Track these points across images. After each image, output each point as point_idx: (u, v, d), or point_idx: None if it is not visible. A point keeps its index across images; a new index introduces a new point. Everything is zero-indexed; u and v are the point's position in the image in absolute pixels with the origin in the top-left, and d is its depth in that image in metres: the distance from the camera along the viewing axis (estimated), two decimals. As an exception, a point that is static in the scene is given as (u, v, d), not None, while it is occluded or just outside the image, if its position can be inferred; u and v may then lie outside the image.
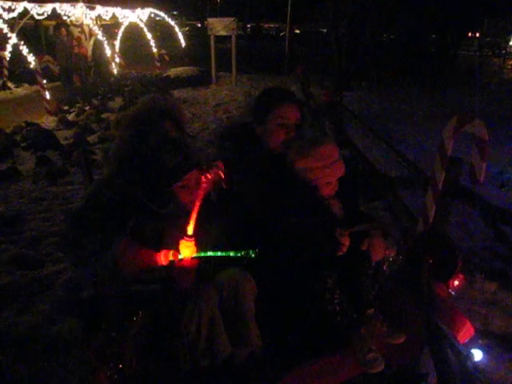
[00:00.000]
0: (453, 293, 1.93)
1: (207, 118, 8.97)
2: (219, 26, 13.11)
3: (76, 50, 11.85)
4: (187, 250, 1.60)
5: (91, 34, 13.08)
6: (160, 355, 1.51)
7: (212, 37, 13.36)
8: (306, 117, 2.13)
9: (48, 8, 11.70)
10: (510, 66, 14.59)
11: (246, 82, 13.42)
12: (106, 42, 12.61)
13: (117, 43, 15.33)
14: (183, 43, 18.00)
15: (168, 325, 1.52)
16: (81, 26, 12.95)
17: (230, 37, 13.64)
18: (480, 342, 2.64)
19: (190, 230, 1.60)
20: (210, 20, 13.48)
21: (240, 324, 1.66)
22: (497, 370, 2.47)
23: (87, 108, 9.76)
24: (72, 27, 12.41)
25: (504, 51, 15.59)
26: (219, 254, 1.65)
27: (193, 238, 1.60)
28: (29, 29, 14.24)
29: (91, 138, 7.41)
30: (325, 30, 24.36)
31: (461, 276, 1.96)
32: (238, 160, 1.98)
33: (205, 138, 7.25)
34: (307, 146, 1.93)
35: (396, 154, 4.92)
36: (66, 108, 9.87)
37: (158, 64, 15.85)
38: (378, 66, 13.30)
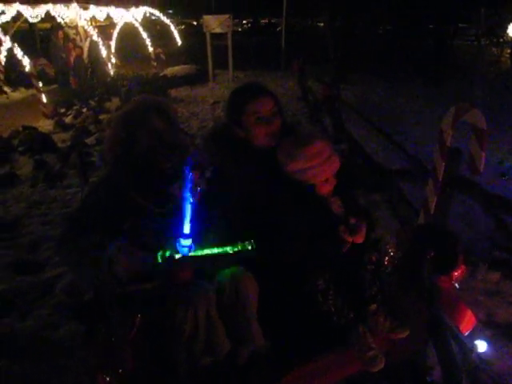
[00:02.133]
0: (456, 284, 1.91)
1: (205, 116, 8.95)
2: (215, 23, 13.05)
3: (72, 51, 11.82)
4: (184, 249, 1.58)
5: (86, 35, 13.03)
6: (159, 358, 1.50)
7: (208, 34, 13.31)
8: (279, 103, 2.04)
9: (41, 10, 11.66)
10: (507, 55, 14.49)
11: (244, 79, 13.37)
12: (101, 43, 12.56)
13: (112, 44, 15.29)
14: (179, 42, 17.95)
15: (165, 326, 1.50)
16: (75, 27, 12.91)
17: (226, 34, 13.59)
18: (484, 332, 2.63)
19: (187, 228, 1.59)
20: (206, 17, 13.42)
21: (242, 323, 1.64)
22: (501, 361, 2.46)
23: (84, 110, 9.73)
24: (67, 29, 12.36)
25: (502, 40, 15.49)
26: (216, 250, 1.64)
27: (189, 237, 1.58)
28: (23, 32, 14.18)
29: (89, 140, 7.38)
30: (321, 24, 24.28)
31: (463, 267, 1.94)
32: (227, 164, 1.94)
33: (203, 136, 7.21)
34: (295, 148, 1.85)
35: (395, 146, 4.89)
36: (62, 111, 9.84)
37: (155, 63, 15.81)
38: (375, 59, 13.25)
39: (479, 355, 2.17)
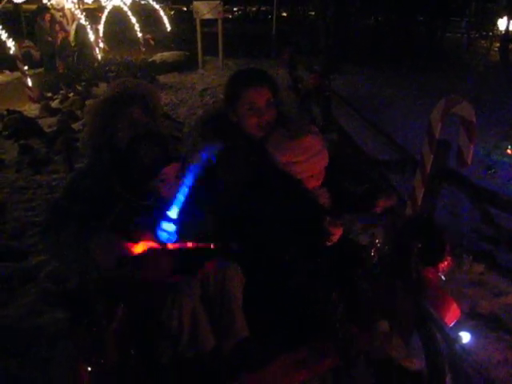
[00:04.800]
0: (442, 276, 1.92)
1: (194, 103, 8.86)
2: (205, 9, 12.86)
3: (59, 34, 11.56)
4: (164, 235, 1.54)
5: (73, 18, 12.75)
6: (143, 349, 1.48)
7: (198, 20, 13.11)
8: (279, 94, 2.00)
9: (27, -9, 11.37)
10: (496, 49, 14.58)
11: (233, 67, 13.23)
12: (89, 27, 12.31)
13: (100, 28, 14.98)
14: (169, 27, 17.66)
15: (149, 318, 1.48)
16: (62, 9, 12.60)
17: (216, 20, 13.40)
18: (468, 323, 2.66)
19: (174, 213, 1.55)
20: (196, 3, 13.20)
21: (227, 315, 1.64)
22: (484, 351, 2.50)
23: (71, 95, 9.56)
24: (53, 11, 12.07)
25: (491, 33, 15.57)
26: (199, 244, 1.60)
27: (173, 223, 1.55)
28: (8, 13, 13.82)
29: (76, 126, 7.26)
30: (313, 13, 24.09)
31: (449, 259, 1.94)
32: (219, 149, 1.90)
33: (192, 123, 7.15)
34: (286, 140, 1.82)
35: (384, 137, 4.90)
36: (49, 95, 9.65)
37: (143, 49, 15.55)
38: (366, 49, 13.21)
39: (463, 346, 2.20)
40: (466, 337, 2.17)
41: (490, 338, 2.64)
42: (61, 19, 12.25)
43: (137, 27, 15.56)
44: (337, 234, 1.79)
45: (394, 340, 1.75)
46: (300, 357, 1.67)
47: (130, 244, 1.51)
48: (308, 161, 1.80)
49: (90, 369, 1.37)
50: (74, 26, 12.63)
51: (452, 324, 1.83)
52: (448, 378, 1.93)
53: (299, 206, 1.80)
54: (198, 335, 1.55)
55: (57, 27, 11.66)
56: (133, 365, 1.42)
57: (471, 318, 2.79)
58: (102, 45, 13.86)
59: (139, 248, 1.51)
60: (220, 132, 1.94)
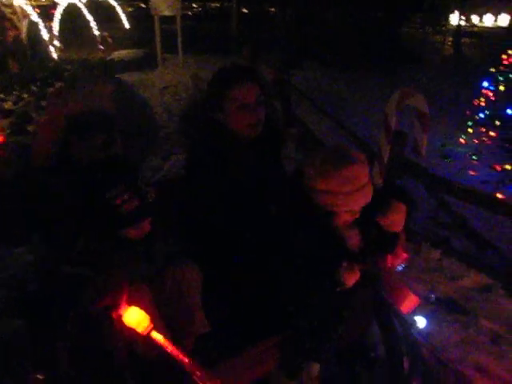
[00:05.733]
0: (399, 267, 1.96)
1: (154, 102, 8.71)
2: (163, 5, 12.64)
3: (10, 32, 11.11)
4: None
5: (24, 14, 12.27)
6: (97, 355, 1.43)
7: (156, 17, 12.90)
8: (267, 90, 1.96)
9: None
10: (450, 43, 15.09)
11: (193, 64, 13.12)
12: (42, 24, 11.88)
13: (55, 25, 14.50)
14: (127, 25, 17.29)
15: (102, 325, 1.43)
16: (11, 6, 12.11)
17: (175, 17, 13.22)
18: (425, 307, 2.75)
19: None
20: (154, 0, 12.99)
21: (185, 312, 1.62)
22: (441, 333, 2.59)
23: (25, 95, 9.23)
24: (2, 8, 11.58)
25: (444, 28, 16.09)
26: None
27: None
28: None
29: (31, 127, 7.01)
30: (273, 9, 24.16)
31: (404, 248, 1.99)
32: (200, 150, 1.82)
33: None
34: (332, 165, 1.56)
35: (345, 131, 4.97)
36: (1, 96, 9.28)
37: (101, 47, 15.18)
38: (326, 45, 13.34)
39: (419, 330, 2.27)
40: (421, 322, 2.24)
41: (446, 321, 2.73)
42: (11, 16, 11.77)
43: (93, 25, 15.16)
44: (351, 280, 1.61)
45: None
46: (262, 349, 1.67)
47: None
48: (352, 194, 1.57)
49: (41, 377, 1.32)
50: (25, 23, 12.15)
51: (409, 312, 1.88)
52: (406, 362, 1.98)
53: (321, 244, 1.61)
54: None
55: (7, 24, 11.20)
56: (87, 371, 1.37)
57: (429, 303, 2.88)
58: (57, 43, 13.44)
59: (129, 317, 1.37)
60: (204, 130, 1.85)
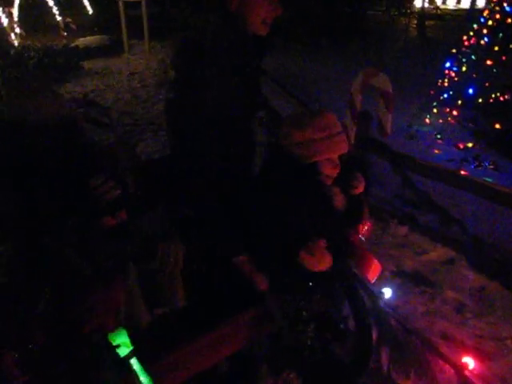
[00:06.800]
0: (362, 238, 2.03)
1: (121, 88, 8.56)
2: (127, -10, 12.34)
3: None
4: None
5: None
6: (71, 332, 1.44)
7: (121, 3, 12.58)
8: None
9: None
10: (414, 26, 15.31)
11: (161, 50, 12.89)
12: (1, 10, 11.42)
13: (14, 11, 13.93)
14: (90, 10, 16.77)
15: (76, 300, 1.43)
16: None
17: (140, 3, 12.90)
18: (393, 281, 2.85)
19: None
20: (117, -16, 12.64)
21: (165, 286, 1.64)
22: (408, 304, 2.69)
23: (-15, 85, 8.89)
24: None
25: (409, 11, 16.27)
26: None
27: None
28: None
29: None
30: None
31: (368, 222, 2.06)
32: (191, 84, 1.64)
33: (120, 110, 6.93)
34: (307, 117, 1.71)
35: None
36: (-41, 87, 8.91)
37: (65, 33, 14.69)
38: (292, 25, 13.25)
39: (386, 301, 2.36)
40: (388, 292, 2.33)
41: (414, 293, 2.84)
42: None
43: (55, 10, 14.65)
44: (322, 262, 1.68)
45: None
46: (224, 332, 1.70)
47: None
48: (329, 139, 1.66)
49: (16, 355, 1.31)
50: (-19, 10, 11.66)
51: (374, 280, 1.95)
52: (375, 333, 2.06)
53: (311, 206, 1.68)
54: (133, 312, 1.53)
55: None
56: (62, 348, 1.38)
57: (397, 277, 2.99)
58: (18, 30, 12.94)
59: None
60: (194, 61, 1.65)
